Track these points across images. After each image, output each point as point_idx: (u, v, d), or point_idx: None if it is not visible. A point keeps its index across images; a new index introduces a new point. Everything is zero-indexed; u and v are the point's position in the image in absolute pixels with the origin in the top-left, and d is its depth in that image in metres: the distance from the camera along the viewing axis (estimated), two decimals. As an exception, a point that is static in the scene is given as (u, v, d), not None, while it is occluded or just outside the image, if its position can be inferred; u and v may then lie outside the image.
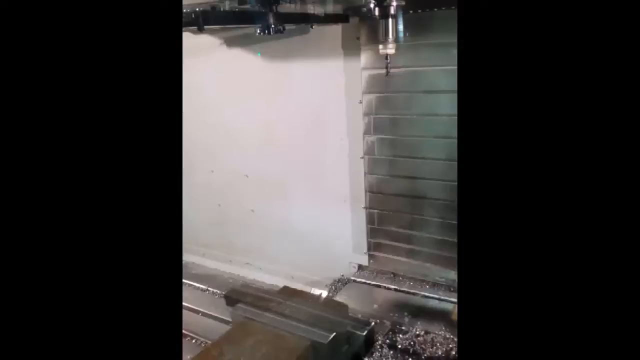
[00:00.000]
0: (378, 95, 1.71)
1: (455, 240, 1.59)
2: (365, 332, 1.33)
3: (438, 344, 1.47)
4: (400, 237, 1.85)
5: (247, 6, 1.37)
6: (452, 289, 1.74)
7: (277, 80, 1.93)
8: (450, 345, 1.46)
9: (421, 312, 1.65)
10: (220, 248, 2.47)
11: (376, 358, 1.42)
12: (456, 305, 1.63)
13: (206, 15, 1.17)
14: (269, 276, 2.29)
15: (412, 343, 1.48)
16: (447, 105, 1.56)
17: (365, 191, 1.87)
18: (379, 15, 1.31)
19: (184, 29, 1.21)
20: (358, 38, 1.67)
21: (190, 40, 1.83)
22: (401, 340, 1.50)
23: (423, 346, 1.46)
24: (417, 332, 1.53)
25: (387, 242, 1.90)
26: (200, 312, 1.94)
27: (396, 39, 1.36)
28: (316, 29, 1.70)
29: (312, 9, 1.53)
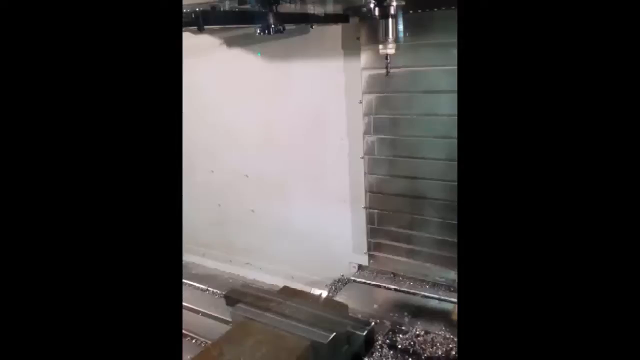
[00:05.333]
0: (378, 95, 1.71)
1: (455, 240, 1.59)
2: (365, 332, 1.33)
3: (438, 344, 1.47)
4: (400, 237, 1.85)
5: (247, 6, 1.37)
6: (452, 289, 1.74)
7: (277, 80, 1.93)
8: (450, 345, 1.46)
9: (421, 312, 1.65)
10: (220, 248, 2.47)
11: (376, 358, 1.42)
12: (456, 305, 1.63)
13: (206, 15, 1.17)
14: (269, 276, 2.29)
15: (412, 343, 1.48)
16: (447, 105, 1.56)
17: (365, 191, 1.87)
18: (379, 15, 1.31)
19: (184, 29, 1.21)
20: (358, 38, 1.67)
21: (190, 40, 1.83)
22: (401, 340, 1.50)
23: (423, 346, 1.46)
24: (417, 332, 1.53)
25: (387, 242, 1.90)
26: (200, 312, 1.94)
27: (396, 39, 1.36)
28: (316, 29, 1.70)
29: (312, 9, 1.53)
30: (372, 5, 1.29)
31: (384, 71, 1.49)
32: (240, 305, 1.42)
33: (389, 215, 1.85)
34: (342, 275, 1.99)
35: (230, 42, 1.99)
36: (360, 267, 2.00)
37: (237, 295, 1.49)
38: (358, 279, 1.93)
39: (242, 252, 2.39)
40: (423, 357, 1.43)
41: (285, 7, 1.43)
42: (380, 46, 1.37)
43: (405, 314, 1.64)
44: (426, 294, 1.75)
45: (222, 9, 1.35)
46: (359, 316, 1.58)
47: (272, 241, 2.26)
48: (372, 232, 1.92)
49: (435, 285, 1.79)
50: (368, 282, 1.90)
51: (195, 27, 1.15)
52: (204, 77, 2.13)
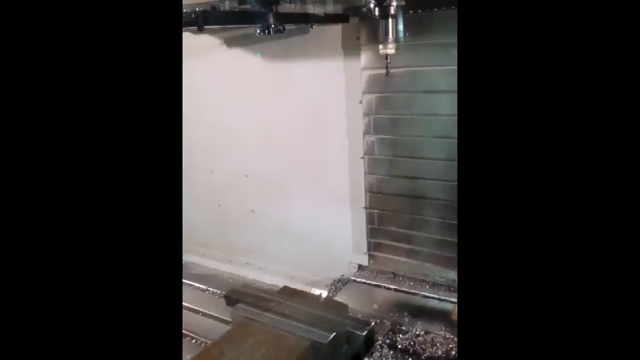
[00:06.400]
0: (378, 95, 1.71)
1: (455, 240, 1.59)
2: (365, 332, 1.33)
3: (438, 344, 1.47)
4: (400, 237, 1.85)
5: (247, 6, 1.37)
6: (452, 289, 1.74)
7: (277, 80, 1.93)
8: (450, 345, 1.46)
9: (421, 312, 1.65)
10: (220, 248, 2.47)
11: (376, 358, 1.42)
12: (456, 305, 1.63)
13: (206, 15, 1.17)
14: (269, 276, 2.29)
15: (412, 343, 1.48)
16: (447, 105, 1.56)
17: (365, 191, 1.87)
18: (379, 15, 1.31)
19: (184, 29, 1.21)
20: (358, 38, 1.67)
21: (190, 40, 1.83)
22: (401, 340, 1.50)
23: (423, 346, 1.47)
24: (417, 332, 1.53)
25: (387, 242, 1.90)
26: (200, 312, 1.94)
27: (396, 39, 1.36)
28: (316, 29, 1.70)
29: (312, 9, 1.53)
30: (372, 5, 1.29)
31: (384, 71, 1.49)
32: (240, 305, 1.42)
33: (389, 215, 1.85)
34: (342, 275, 1.99)
35: (230, 42, 1.99)
36: (360, 267, 2.00)
37: (237, 295, 1.49)
38: (358, 279, 1.93)
39: (242, 252, 2.39)
40: (423, 357, 1.43)
41: (285, 7, 1.43)
42: (380, 46, 1.37)
43: (405, 314, 1.64)
44: (426, 294, 1.75)
45: (222, 9, 1.35)
46: (359, 316, 1.58)
47: (272, 241, 2.26)
48: (372, 232, 1.92)
49: (435, 285, 1.79)
50: (368, 282, 1.90)
51: (195, 27, 1.15)
52: (204, 77, 2.13)
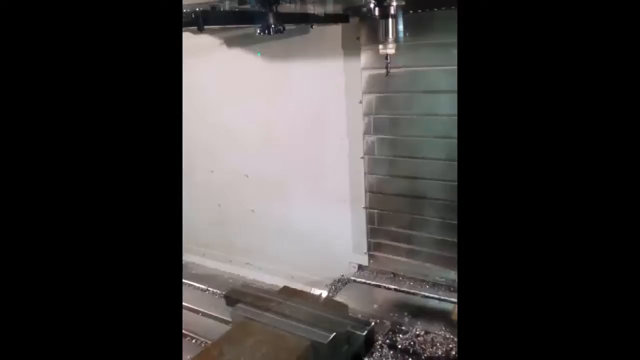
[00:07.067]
0: (378, 95, 1.71)
1: (455, 240, 1.59)
2: (365, 332, 1.33)
3: (438, 344, 1.47)
4: (400, 237, 1.85)
5: (247, 6, 1.37)
6: (452, 289, 1.74)
7: (277, 80, 1.93)
8: (450, 345, 1.46)
9: (421, 312, 1.65)
10: (220, 248, 2.47)
11: (376, 358, 1.42)
12: (456, 305, 1.63)
13: (206, 15, 1.17)
14: (269, 276, 2.29)
15: (412, 343, 1.48)
16: (447, 105, 1.56)
17: (365, 191, 1.87)
18: (379, 15, 1.31)
19: (184, 29, 1.21)
20: (358, 38, 1.67)
21: (190, 40, 1.83)
22: (401, 340, 1.50)
23: (423, 346, 1.47)
24: (417, 332, 1.53)
25: (387, 242, 1.90)
26: (200, 312, 1.94)
27: (396, 39, 1.36)
28: (316, 29, 1.70)
29: (312, 9, 1.53)
30: (372, 5, 1.29)
31: (384, 71, 1.49)
32: (240, 305, 1.42)
33: (389, 215, 1.85)
34: (342, 275, 1.99)
35: (230, 42, 1.99)
36: (360, 267, 2.00)
37: (237, 295, 1.49)
38: (358, 279, 1.93)
39: (242, 252, 2.39)
40: (423, 357, 1.43)
41: (285, 7, 1.43)
42: (380, 46, 1.37)
43: (405, 314, 1.64)
44: (426, 294, 1.75)
45: (222, 9, 1.35)
46: (359, 316, 1.58)
47: (272, 241, 2.26)
48: (372, 232, 1.92)
49: (435, 285, 1.79)
50: (368, 282, 1.90)
51: (195, 27, 1.15)
52: (204, 77, 2.13)
